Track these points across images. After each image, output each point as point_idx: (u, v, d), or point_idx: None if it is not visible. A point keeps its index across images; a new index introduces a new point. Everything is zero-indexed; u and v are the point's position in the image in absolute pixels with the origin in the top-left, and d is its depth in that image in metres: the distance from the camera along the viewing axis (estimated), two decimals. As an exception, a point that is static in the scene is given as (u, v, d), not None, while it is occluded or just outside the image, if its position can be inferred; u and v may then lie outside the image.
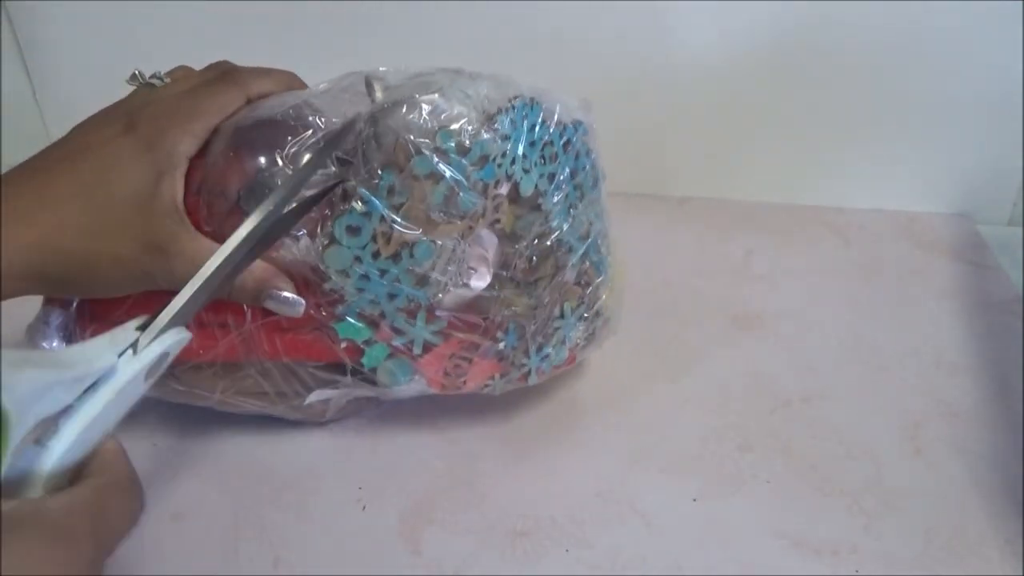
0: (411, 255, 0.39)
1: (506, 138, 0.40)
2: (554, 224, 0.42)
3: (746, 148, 0.67)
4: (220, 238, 0.36)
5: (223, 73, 0.42)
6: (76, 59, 0.68)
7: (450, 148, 0.39)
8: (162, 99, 0.40)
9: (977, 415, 0.47)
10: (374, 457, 0.45)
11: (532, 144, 0.41)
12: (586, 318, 0.45)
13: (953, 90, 0.62)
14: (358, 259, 0.39)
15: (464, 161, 0.39)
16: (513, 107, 0.41)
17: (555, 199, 0.42)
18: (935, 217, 0.66)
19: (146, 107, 0.39)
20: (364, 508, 0.42)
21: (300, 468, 0.44)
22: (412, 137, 0.39)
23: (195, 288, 0.33)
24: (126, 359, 0.31)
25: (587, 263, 0.44)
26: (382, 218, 0.39)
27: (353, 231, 0.39)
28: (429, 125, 0.39)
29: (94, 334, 0.32)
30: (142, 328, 0.31)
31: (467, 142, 0.39)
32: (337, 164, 0.39)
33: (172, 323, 0.32)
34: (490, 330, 0.42)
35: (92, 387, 0.29)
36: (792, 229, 0.64)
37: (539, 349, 0.43)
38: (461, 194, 0.39)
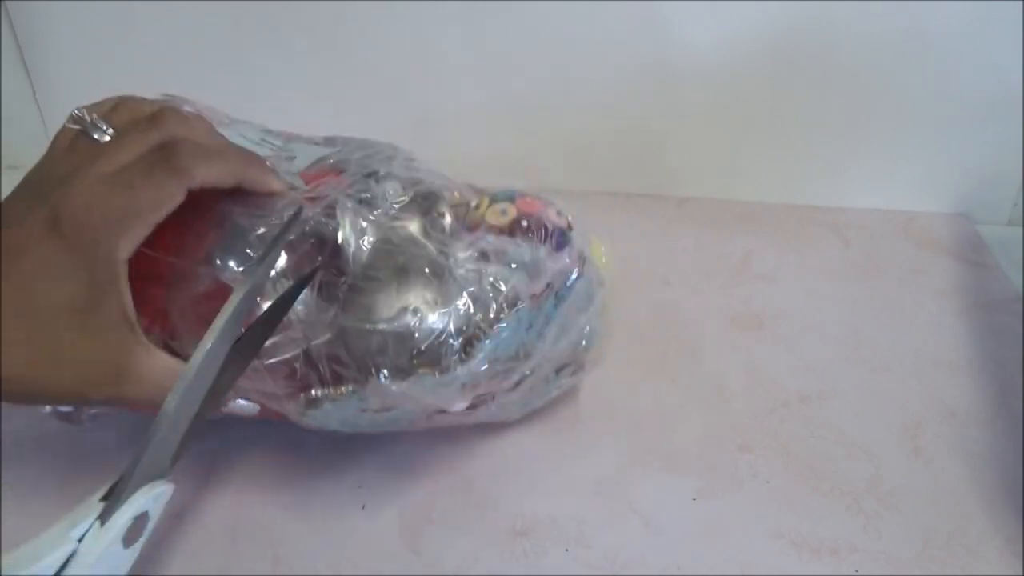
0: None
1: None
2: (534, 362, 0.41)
3: (746, 148, 0.67)
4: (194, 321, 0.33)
5: (164, 155, 0.34)
6: (76, 59, 0.68)
7: (427, 375, 0.37)
8: (90, 186, 0.33)
9: (977, 415, 0.47)
10: (374, 456, 0.45)
11: (529, 326, 0.40)
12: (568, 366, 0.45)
13: (953, 90, 0.62)
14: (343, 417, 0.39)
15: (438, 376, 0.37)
16: (518, 312, 0.39)
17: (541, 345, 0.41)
18: (934, 217, 0.66)
19: (71, 196, 0.33)
20: (364, 507, 0.42)
21: (299, 468, 0.44)
22: (384, 369, 0.36)
23: (161, 431, 0.30)
24: (92, 536, 0.27)
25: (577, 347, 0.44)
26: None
27: (340, 405, 0.38)
28: (402, 347, 0.36)
29: None
30: (106, 497, 0.29)
31: (447, 362, 0.37)
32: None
33: (144, 479, 0.29)
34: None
35: None
36: (792, 229, 0.64)
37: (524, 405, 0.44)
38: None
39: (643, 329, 0.53)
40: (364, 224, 0.38)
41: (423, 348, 0.36)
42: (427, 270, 0.38)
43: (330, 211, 0.39)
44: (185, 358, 0.36)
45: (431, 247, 0.39)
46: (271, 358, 0.37)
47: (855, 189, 0.67)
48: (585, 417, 0.47)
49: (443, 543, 0.40)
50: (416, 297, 0.37)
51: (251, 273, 0.35)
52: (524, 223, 0.40)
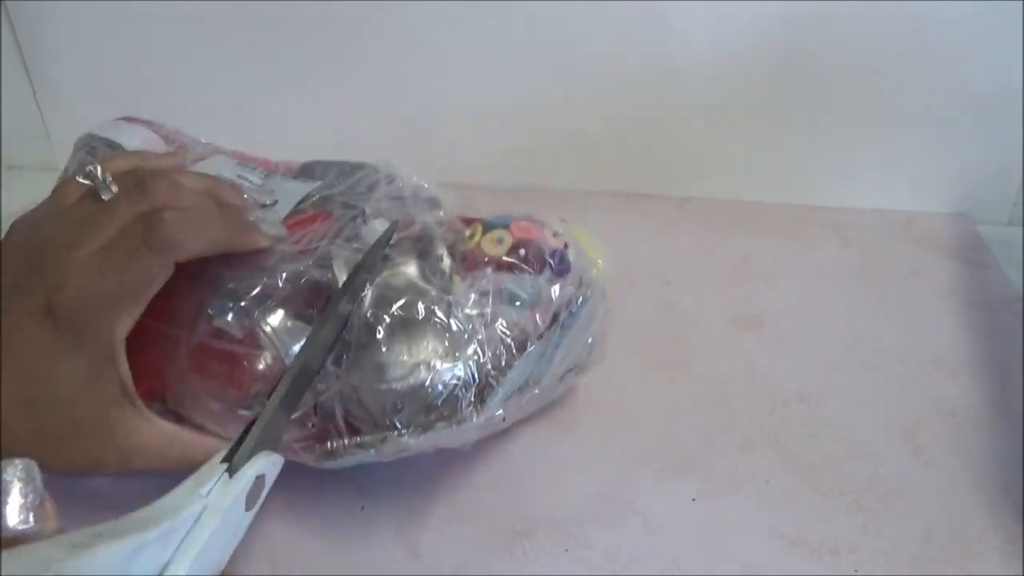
0: None
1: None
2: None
3: (746, 148, 0.67)
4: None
5: (149, 231, 0.34)
6: (76, 59, 0.68)
7: (444, 427, 0.37)
8: (80, 270, 0.33)
9: (977, 415, 0.47)
10: (373, 456, 0.45)
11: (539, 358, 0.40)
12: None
13: (953, 90, 0.62)
14: None
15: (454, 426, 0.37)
16: (528, 354, 0.39)
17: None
18: (935, 217, 0.66)
19: (63, 285, 0.33)
20: (363, 508, 0.42)
21: (297, 469, 0.44)
22: (401, 426, 0.36)
23: (274, 406, 0.32)
24: (219, 490, 0.29)
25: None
26: None
27: (358, 455, 0.38)
28: (418, 404, 0.36)
29: None
30: (227, 459, 0.30)
31: (463, 413, 0.37)
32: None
33: (258, 447, 0.31)
34: None
35: (188, 532, 0.28)
36: (792, 229, 0.64)
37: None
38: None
39: (643, 329, 0.53)
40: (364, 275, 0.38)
41: (439, 403, 0.36)
42: (434, 321, 0.37)
43: (324, 262, 0.38)
44: (187, 418, 0.37)
45: (433, 294, 0.38)
46: None
47: (855, 189, 0.67)
48: (585, 417, 0.47)
49: (442, 544, 0.40)
50: (426, 351, 0.36)
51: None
52: (522, 251, 0.40)
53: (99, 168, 0.36)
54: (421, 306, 0.37)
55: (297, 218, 0.42)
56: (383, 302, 0.38)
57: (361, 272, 0.38)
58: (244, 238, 0.38)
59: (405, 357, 0.36)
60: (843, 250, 0.62)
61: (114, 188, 0.36)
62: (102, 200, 0.36)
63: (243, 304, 0.37)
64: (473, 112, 0.68)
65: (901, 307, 0.56)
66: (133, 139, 0.46)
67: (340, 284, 0.38)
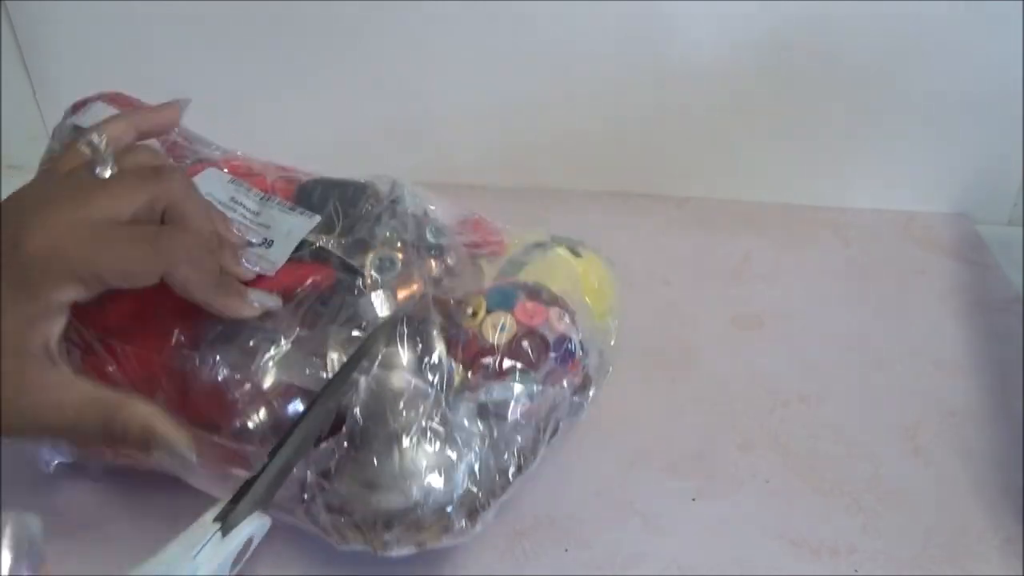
0: None
1: None
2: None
3: (746, 148, 0.67)
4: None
5: (156, 234, 0.34)
6: (76, 59, 0.68)
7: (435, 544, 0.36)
8: (65, 224, 0.33)
9: (976, 415, 0.47)
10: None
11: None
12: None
13: (953, 90, 0.62)
14: None
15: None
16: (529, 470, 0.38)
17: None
18: (934, 217, 0.66)
19: (42, 226, 0.32)
20: (364, 508, 0.42)
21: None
22: (391, 542, 0.35)
23: (277, 468, 0.32)
24: (210, 550, 0.29)
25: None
26: None
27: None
28: (407, 523, 0.35)
29: None
30: (220, 518, 0.30)
31: (455, 530, 0.35)
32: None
33: (254, 506, 0.31)
34: None
35: None
36: (792, 229, 0.64)
37: None
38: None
39: (643, 329, 0.53)
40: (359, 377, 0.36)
41: (430, 525, 0.35)
42: (429, 435, 0.35)
43: (317, 346, 0.37)
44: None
45: (431, 400, 0.36)
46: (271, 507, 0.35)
47: (855, 189, 0.67)
48: (584, 417, 0.47)
49: (443, 543, 0.40)
50: (420, 467, 0.35)
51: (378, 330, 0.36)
52: (525, 343, 0.37)
53: (102, 140, 0.35)
54: (413, 417, 0.35)
55: (293, 267, 0.39)
56: (376, 405, 0.35)
57: (354, 364, 0.36)
58: (229, 304, 0.36)
59: (397, 473, 0.34)
60: (843, 250, 0.62)
61: (115, 169, 0.35)
62: (99, 171, 0.35)
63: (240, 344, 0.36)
64: (473, 112, 0.68)
65: (901, 307, 0.56)
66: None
67: (332, 374, 0.36)
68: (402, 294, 0.39)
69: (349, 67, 0.67)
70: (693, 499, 0.42)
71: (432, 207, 0.43)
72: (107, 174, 0.35)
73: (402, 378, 0.36)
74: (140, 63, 0.68)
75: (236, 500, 0.31)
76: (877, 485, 0.43)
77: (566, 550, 0.40)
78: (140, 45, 0.67)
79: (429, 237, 0.41)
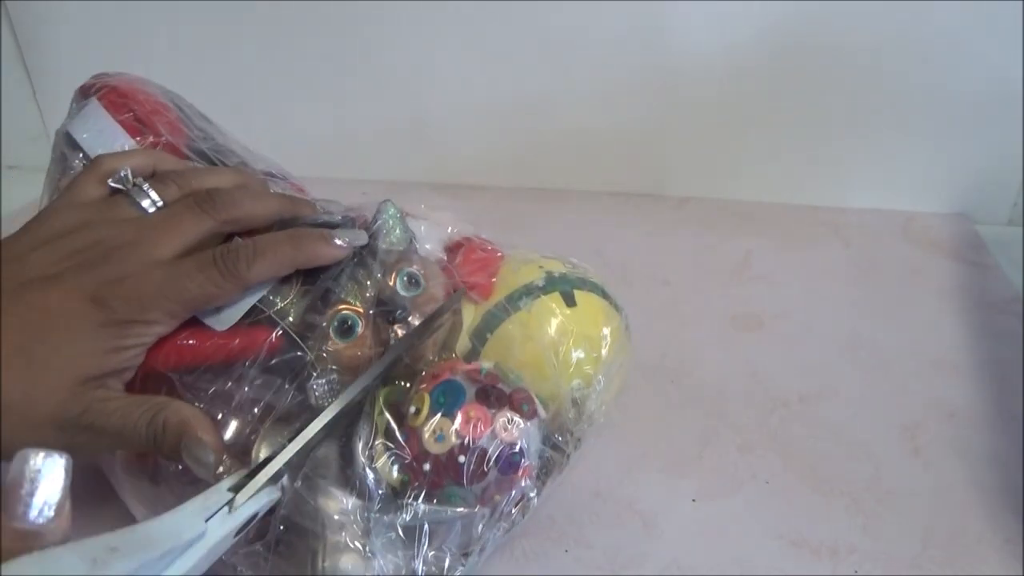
0: None
1: None
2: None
3: (746, 148, 0.67)
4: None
5: (223, 255, 0.35)
6: (76, 59, 0.68)
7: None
8: (142, 272, 0.34)
9: (976, 415, 0.47)
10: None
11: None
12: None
13: (953, 90, 0.62)
14: None
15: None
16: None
17: None
18: (934, 217, 0.66)
19: (123, 282, 0.34)
20: (364, 508, 0.42)
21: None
22: None
23: (297, 448, 0.32)
24: (218, 520, 0.30)
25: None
26: None
27: None
28: None
29: None
30: (235, 489, 0.31)
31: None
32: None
33: (269, 480, 0.31)
34: None
35: (183, 552, 0.28)
36: (792, 229, 0.64)
37: None
38: None
39: (643, 330, 0.53)
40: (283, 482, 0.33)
41: None
42: (349, 548, 0.34)
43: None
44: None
45: (353, 518, 0.34)
46: None
47: (855, 189, 0.67)
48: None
49: (443, 543, 0.40)
50: None
51: (402, 340, 0.36)
52: (461, 459, 0.34)
53: (128, 171, 0.37)
54: (337, 530, 0.34)
55: (241, 330, 0.36)
56: (299, 516, 0.34)
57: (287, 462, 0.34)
58: (311, 252, 0.36)
59: None
60: (843, 250, 0.62)
61: (152, 194, 0.37)
62: (140, 204, 0.36)
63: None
64: (473, 112, 0.68)
65: (901, 307, 0.56)
66: (109, 144, 0.43)
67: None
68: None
69: (349, 67, 0.67)
70: (693, 499, 0.42)
71: (423, 228, 0.40)
72: (153, 209, 0.37)
73: (327, 492, 0.35)
74: (140, 63, 0.68)
75: (253, 474, 0.31)
76: (877, 485, 0.43)
77: (566, 550, 0.40)
78: (140, 45, 0.67)
79: (399, 289, 0.37)
